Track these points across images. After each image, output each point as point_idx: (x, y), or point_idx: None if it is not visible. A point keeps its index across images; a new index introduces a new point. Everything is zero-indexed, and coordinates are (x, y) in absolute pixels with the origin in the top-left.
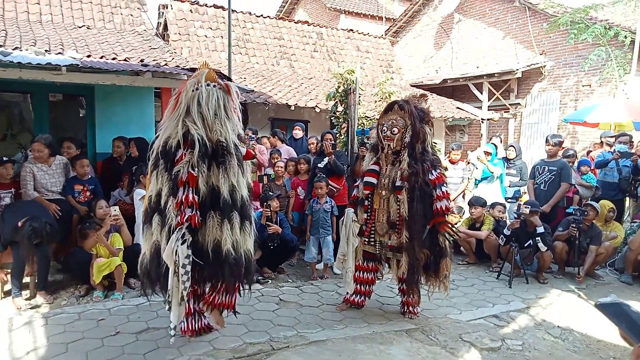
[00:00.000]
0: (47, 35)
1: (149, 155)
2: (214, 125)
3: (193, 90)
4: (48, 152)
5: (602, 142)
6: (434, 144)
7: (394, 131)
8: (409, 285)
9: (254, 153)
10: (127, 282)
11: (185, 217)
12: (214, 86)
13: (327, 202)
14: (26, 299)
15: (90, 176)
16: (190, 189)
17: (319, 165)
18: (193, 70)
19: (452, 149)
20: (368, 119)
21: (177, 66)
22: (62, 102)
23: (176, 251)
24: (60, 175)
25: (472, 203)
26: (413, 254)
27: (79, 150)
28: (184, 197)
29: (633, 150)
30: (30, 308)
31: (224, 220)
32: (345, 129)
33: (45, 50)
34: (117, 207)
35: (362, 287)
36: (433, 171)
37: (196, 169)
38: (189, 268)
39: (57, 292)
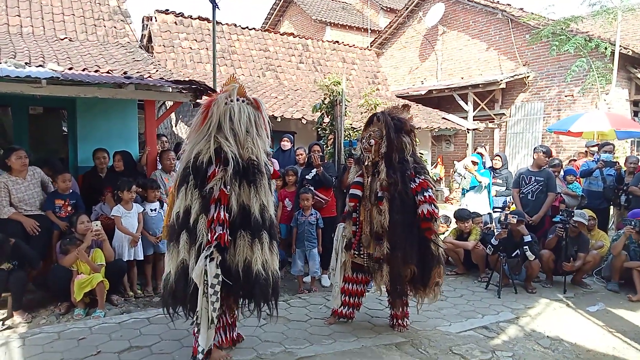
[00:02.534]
0: (27, 48)
1: (179, 169)
2: (245, 143)
3: (224, 105)
4: (28, 162)
5: (586, 151)
6: (420, 154)
7: (370, 143)
8: (392, 297)
9: (280, 173)
10: (109, 299)
11: (215, 236)
12: (245, 102)
13: (312, 214)
14: (2, 319)
15: (71, 190)
16: (222, 206)
17: (306, 176)
18: (178, 82)
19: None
20: (354, 130)
21: (162, 78)
22: (43, 115)
23: (205, 271)
24: (36, 186)
25: (458, 218)
26: (395, 264)
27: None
28: (215, 214)
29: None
30: (7, 328)
31: (254, 239)
32: (332, 140)
33: (26, 63)
34: (99, 222)
35: (350, 299)
36: (416, 179)
37: (229, 187)
38: (218, 288)
39: (36, 311)
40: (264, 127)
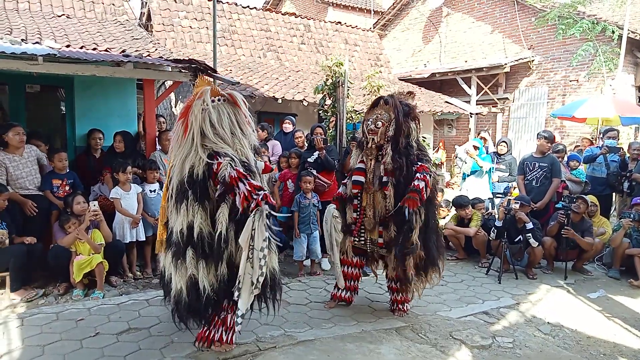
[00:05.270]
0: (24, 24)
1: (171, 187)
2: (234, 145)
3: (201, 112)
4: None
5: (595, 138)
6: (423, 138)
7: (377, 125)
8: (401, 282)
9: (272, 167)
10: (108, 281)
11: (261, 197)
12: (221, 101)
13: (313, 196)
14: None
15: (68, 170)
16: (245, 179)
17: (308, 159)
18: (177, 61)
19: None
20: (357, 112)
21: (161, 57)
22: (40, 94)
23: (252, 236)
24: (33, 164)
25: (457, 205)
26: (401, 249)
27: (47, 145)
28: (247, 187)
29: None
30: (5, 308)
31: None
32: (334, 122)
33: (22, 40)
34: (96, 202)
35: (348, 282)
36: (417, 163)
37: (241, 168)
38: (267, 252)
39: (34, 291)
40: (247, 122)
